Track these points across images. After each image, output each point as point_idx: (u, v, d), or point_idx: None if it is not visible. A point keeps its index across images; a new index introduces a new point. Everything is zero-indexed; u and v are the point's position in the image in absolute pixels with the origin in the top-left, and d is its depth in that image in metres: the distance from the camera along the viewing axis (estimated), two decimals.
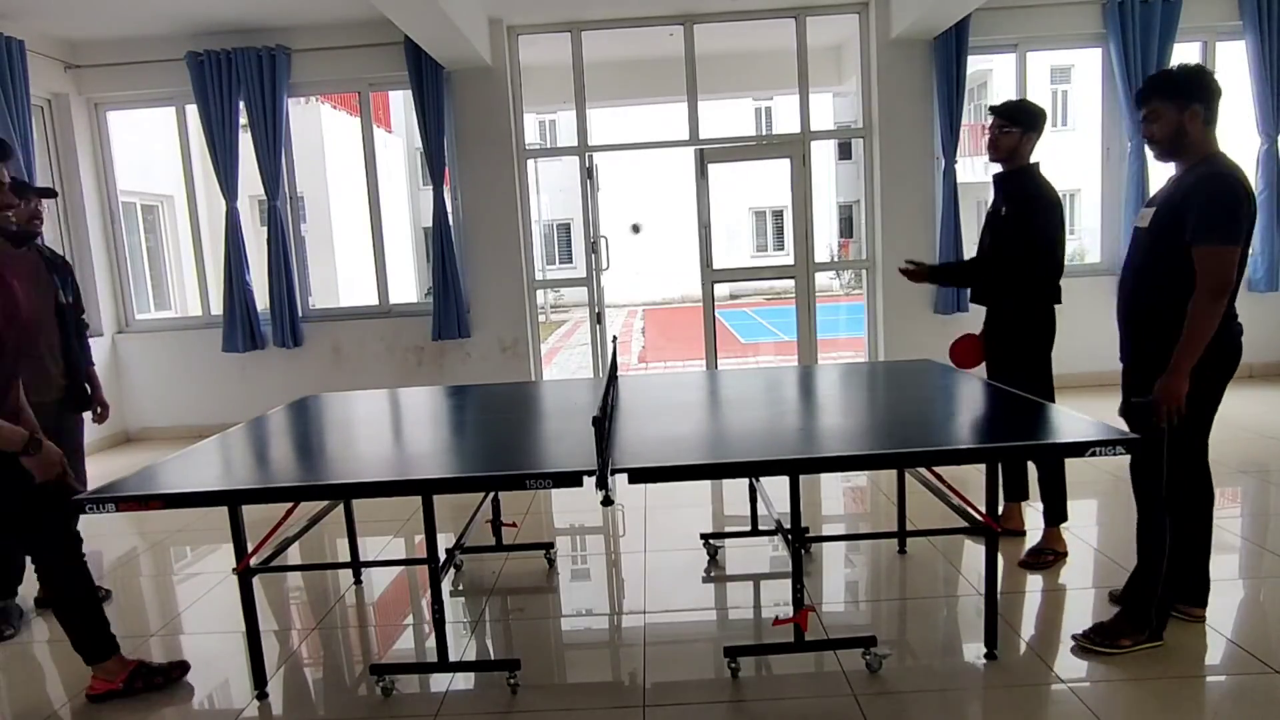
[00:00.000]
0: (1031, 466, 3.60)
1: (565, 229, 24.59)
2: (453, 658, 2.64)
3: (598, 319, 6.95)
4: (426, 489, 2.37)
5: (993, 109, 3.35)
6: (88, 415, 3.51)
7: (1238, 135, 5.35)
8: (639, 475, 2.22)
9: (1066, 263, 3.36)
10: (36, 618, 3.31)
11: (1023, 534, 3.57)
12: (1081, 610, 2.93)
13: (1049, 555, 3.32)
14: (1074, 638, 2.66)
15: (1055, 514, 3.38)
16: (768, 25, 6.70)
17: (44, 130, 6.33)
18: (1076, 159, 13.62)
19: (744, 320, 18.23)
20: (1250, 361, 2.32)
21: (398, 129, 20.57)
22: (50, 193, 3.42)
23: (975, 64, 6.73)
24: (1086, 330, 6.51)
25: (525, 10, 6.29)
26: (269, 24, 6.26)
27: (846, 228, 25.56)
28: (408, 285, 17.39)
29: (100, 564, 3.97)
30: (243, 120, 6.36)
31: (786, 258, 7.11)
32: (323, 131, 15.91)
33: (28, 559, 2.71)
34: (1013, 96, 6.71)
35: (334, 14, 6.11)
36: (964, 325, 6.55)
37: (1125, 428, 2.56)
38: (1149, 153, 2.83)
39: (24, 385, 2.94)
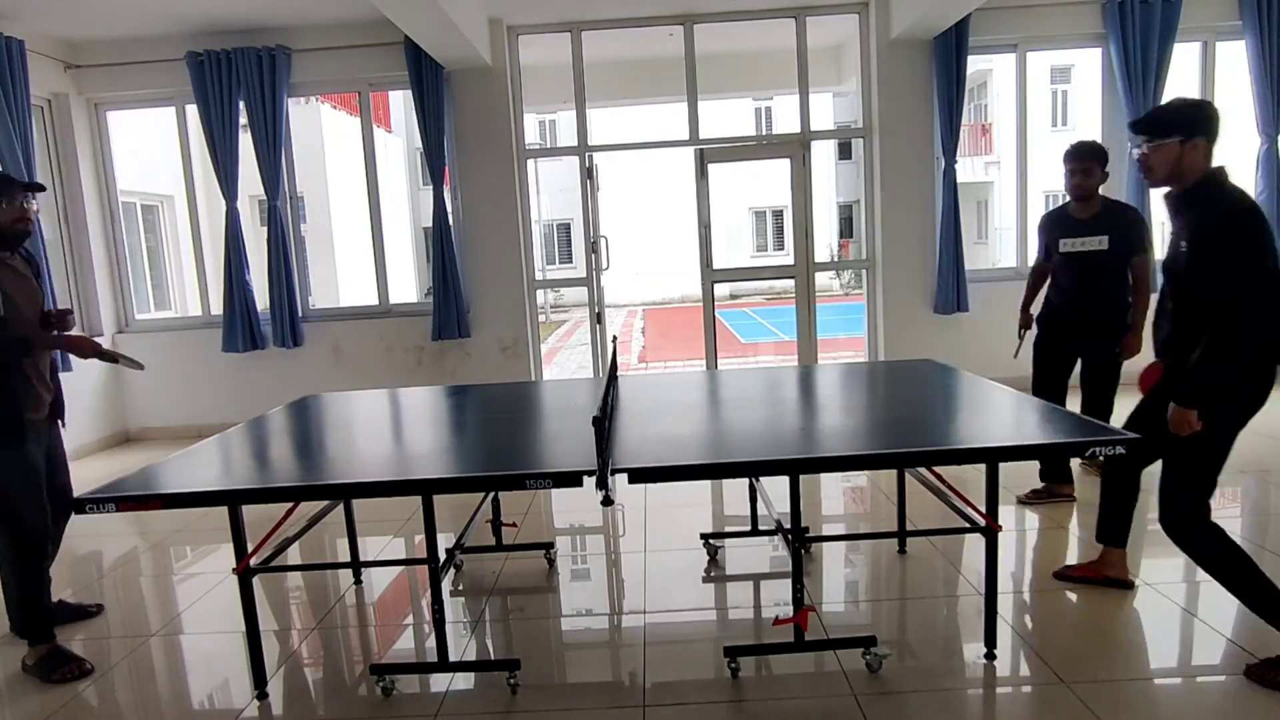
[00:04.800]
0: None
1: (565, 229, 24.60)
2: (453, 658, 2.65)
3: (598, 319, 6.95)
4: (426, 489, 2.37)
5: None
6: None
7: (1238, 135, 5.35)
8: (639, 475, 2.22)
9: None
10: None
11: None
12: (1082, 609, 2.93)
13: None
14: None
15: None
16: (768, 25, 6.70)
17: (44, 130, 6.33)
18: None
19: (744, 320, 18.23)
20: None
21: (398, 129, 20.58)
22: (39, 187, 3.01)
23: (975, 64, 6.73)
24: None
25: (525, 10, 6.29)
26: (269, 24, 6.26)
27: (846, 228, 25.59)
28: (408, 285, 17.38)
29: (100, 564, 3.97)
30: (243, 120, 6.36)
31: (786, 258, 7.11)
32: (323, 131, 15.90)
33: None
34: (1012, 96, 6.73)
35: (334, 14, 6.11)
36: (963, 325, 6.60)
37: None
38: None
39: (20, 403, 2.82)
